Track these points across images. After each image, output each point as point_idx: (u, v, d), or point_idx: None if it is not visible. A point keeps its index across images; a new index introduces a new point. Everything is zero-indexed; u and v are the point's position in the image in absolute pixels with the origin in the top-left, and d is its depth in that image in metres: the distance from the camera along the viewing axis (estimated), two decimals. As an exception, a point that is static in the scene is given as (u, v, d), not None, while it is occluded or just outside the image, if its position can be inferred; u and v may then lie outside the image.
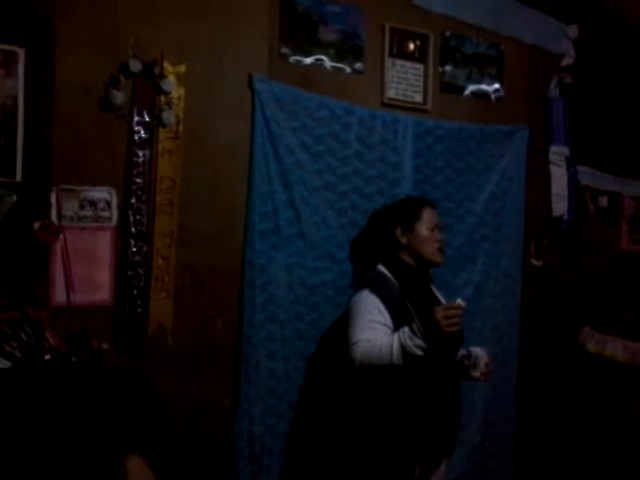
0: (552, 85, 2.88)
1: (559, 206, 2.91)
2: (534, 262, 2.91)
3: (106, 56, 1.87)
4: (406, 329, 1.79)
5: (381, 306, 1.90)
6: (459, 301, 1.77)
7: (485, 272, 2.69)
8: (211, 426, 2.06)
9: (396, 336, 1.80)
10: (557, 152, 2.89)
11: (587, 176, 3.03)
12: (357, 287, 2.05)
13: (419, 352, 1.76)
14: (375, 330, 1.86)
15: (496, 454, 2.73)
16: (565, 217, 2.93)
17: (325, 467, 2.16)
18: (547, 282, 2.92)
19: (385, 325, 1.88)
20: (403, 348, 1.77)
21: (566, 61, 2.89)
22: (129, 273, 1.94)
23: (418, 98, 2.51)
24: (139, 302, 1.94)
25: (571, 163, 2.94)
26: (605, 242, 3.18)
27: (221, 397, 2.10)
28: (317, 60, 2.28)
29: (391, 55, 2.43)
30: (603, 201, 3.16)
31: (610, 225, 3.20)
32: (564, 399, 2.88)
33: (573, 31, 2.88)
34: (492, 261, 2.71)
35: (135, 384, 0.88)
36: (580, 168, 3.00)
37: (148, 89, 1.94)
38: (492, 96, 2.74)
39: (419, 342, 1.75)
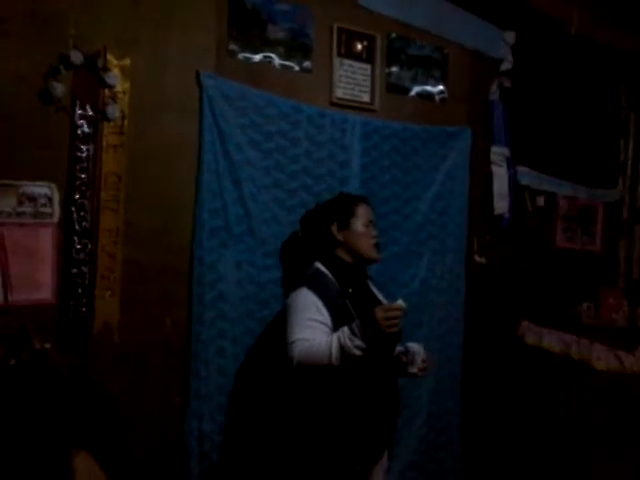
0: (493, 88, 3.00)
1: (500, 205, 3.02)
2: (477, 259, 3.01)
3: (44, 46, 1.80)
4: (346, 329, 1.75)
5: (320, 304, 1.86)
6: (400, 302, 1.74)
7: (431, 268, 2.76)
8: (161, 425, 2.02)
9: (335, 336, 1.76)
10: (498, 153, 3.00)
11: (526, 176, 3.17)
12: (294, 285, 1.99)
13: (358, 352, 1.72)
14: (313, 329, 1.82)
15: (442, 445, 2.81)
16: (506, 215, 3.04)
17: (266, 465, 2.14)
18: (489, 278, 3.03)
19: (324, 324, 1.85)
20: (342, 349, 1.73)
21: (505, 65, 3.01)
22: (73, 271, 1.88)
23: (365, 98, 2.56)
24: (84, 300, 1.89)
25: (511, 163, 3.06)
26: (542, 239, 3.33)
27: (170, 395, 2.06)
28: (266, 58, 2.28)
29: (339, 55, 2.47)
30: (540, 200, 3.30)
31: (546, 223, 3.36)
32: (506, 390, 3.00)
33: (510, 37, 3.01)
34: (437, 258, 2.79)
35: (79, 381, 0.86)
36: (519, 168, 3.12)
37: (91, 82, 1.89)
38: (436, 97, 2.82)
39: (358, 343, 1.72)
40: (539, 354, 2.98)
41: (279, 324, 2.09)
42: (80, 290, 1.89)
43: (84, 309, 1.89)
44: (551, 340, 2.97)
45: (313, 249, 2.12)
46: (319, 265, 2.02)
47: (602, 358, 2.77)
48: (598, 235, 3.61)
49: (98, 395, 0.86)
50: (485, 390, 2.97)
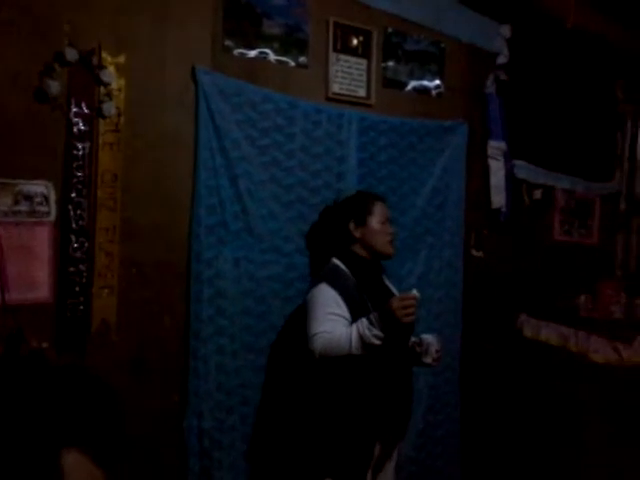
0: (489, 82, 2.99)
1: (497, 198, 3.02)
2: (474, 253, 3.01)
3: (39, 43, 1.79)
4: (364, 320, 1.84)
5: (339, 299, 1.95)
6: (414, 292, 1.83)
7: (428, 263, 2.76)
8: (160, 423, 2.03)
9: (354, 327, 1.85)
10: (495, 147, 3.00)
11: (523, 170, 3.17)
12: (313, 281, 2.08)
13: (377, 342, 1.82)
14: (334, 322, 1.90)
15: (440, 439, 2.82)
16: (503, 209, 3.05)
17: (278, 459, 2.17)
18: (486, 272, 3.03)
19: (343, 317, 1.93)
20: (362, 338, 1.82)
21: (501, 59, 3.00)
22: (70, 269, 1.87)
23: (362, 93, 2.56)
24: (81, 299, 1.89)
25: (508, 157, 3.06)
26: (539, 233, 3.34)
27: (169, 393, 2.07)
28: (261, 53, 2.27)
29: (335, 50, 2.46)
30: (537, 194, 3.31)
31: (543, 216, 3.37)
32: (504, 383, 3.01)
33: (506, 30, 3.00)
34: (435, 252, 2.79)
35: (75, 375, 0.85)
36: (516, 162, 3.12)
37: (86, 80, 1.88)
38: (433, 92, 2.82)
39: (377, 332, 1.80)
40: (537, 347, 2.99)
41: (297, 319, 2.15)
42: (77, 288, 1.89)
43: (82, 307, 1.89)
44: (549, 333, 2.98)
45: (330, 245, 2.20)
46: (336, 261, 2.10)
47: (600, 350, 2.78)
48: (595, 228, 3.62)
49: (96, 388, 0.85)
50: (483, 384, 2.98)
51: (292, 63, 2.36)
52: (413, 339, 2.09)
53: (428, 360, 2.00)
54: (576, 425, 2.78)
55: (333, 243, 2.19)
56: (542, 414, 2.91)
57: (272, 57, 2.30)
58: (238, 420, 2.20)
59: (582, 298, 3.20)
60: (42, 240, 1.84)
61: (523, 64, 3.10)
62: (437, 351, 2.01)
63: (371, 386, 1.95)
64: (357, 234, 2.13)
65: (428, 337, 2.02)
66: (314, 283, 2.06)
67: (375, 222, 2.13)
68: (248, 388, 2.23)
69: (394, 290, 2.18)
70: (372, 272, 2.13)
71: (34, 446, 0.70)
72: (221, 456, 2.13)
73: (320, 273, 2.11)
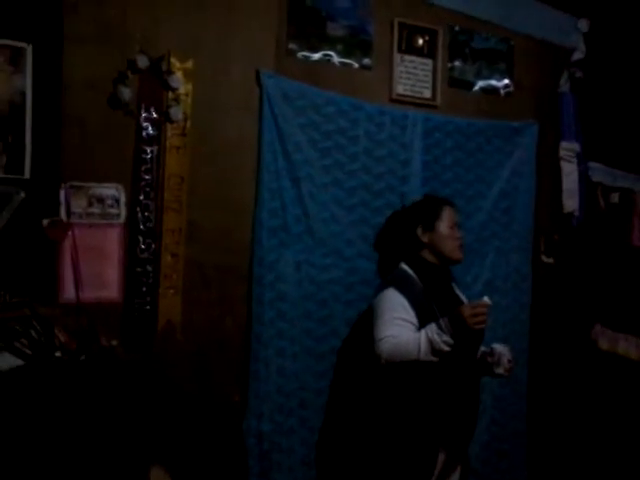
0: (562, 80, 2.86)
1: (570, 202, 2.88)
2: (544, 259, 2.88)
3: (113, 52, 1.87)
4: (433, 325, 1.82)
5: (406, 304, 1.93)
6: (485, 299, 1.80)
7: (495, 269, 2.67)
8: (220, 423, 2.05)
9: (423, 332, 1.83)
10: (567, 148, 2.86)
11: (598, 172, 3.00)
12: (380, 286, 2.07)
13: (446, 348, 1.79)
14: (401, 327, 1.89)
15: (506, 453, 2.71)
16: (576, 213, 2.90)
17: (339, 464, 2.16)
18: (558, 279, 2.89)
19: (410, 322, 1.91)
20: (431, 344, 1.80)
21: (577, 55, 2.86)
22: (137, 270, 1.93)
23: (427, 94, 2.49)
24: (148, 299, 1.94)
25: (582, 159, 2.91)
26: (616, 238, 3.14)
27: (230, 394, 2.09)
28: (325, 56, 2.26)
29: (400, 50, 2.41)
30: (614, 197, 3.12)
31: (621, 221, 3.17)
32: (576, 397, 2.85)
33: (583, 25, 2.85)
34: (502, 258, 2.69)
35: (161, 388, 0.84)
36: (591, 164, 2.97)
37: (155, 85, 1.93)
38: (501, 91, 2.71)
39: (446, 338, 1.78)
40: (614, 360, 2.82)
41: (363, 324, 2.13)
42: (144, 288, 1.94)
43: (148, 307, 1.94)
44: (628, 346, 2.81)
45: (398, 250, 2.17)
46: (404, 266, 2.07)
47: (683, 366, 2.59)
48: (679, 234, 3.37)
49: (178, 402, 0.84)
50: (553, 396, 2.83)
51: (356, 65, 2.33)
52: (483, 349, 2.03)
53: (500, 371, 1.96)
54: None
55: (401, 248, 2.16)
56: (615, 432, 2.74)
57: (336, 59, 2.29)
58: (297, 423, 2.19)
59: (664, 309, 2.98)
60: (112, 241, 1.91)
61: (601, 60, 2.93)
62: (509, 361, 1.96)
63: (438, 394, 1.92)
64: (425, 239, 2.09)
65: (500, 347, 1.97)
66: (381, 288, 2.03)
67: (444, 227, 2.08)
68: (307, 391, 2.22)
69: (463, 298, 2.13)
70: (441, 278, 2.09)
71: (126, 461, 0.69)
72: (280, 458, 2.14)
73: (387, 278, 2.08)
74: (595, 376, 2.86)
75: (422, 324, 1.89)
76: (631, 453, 2.67)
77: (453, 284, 2.16)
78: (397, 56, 2.41)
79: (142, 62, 1.88)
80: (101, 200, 1.89)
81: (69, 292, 1.82)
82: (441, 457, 1.96)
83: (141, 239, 1.94)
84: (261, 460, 2.11)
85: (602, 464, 2.74)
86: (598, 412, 2.82)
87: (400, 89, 2.43)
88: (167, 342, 1.97)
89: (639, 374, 2.72)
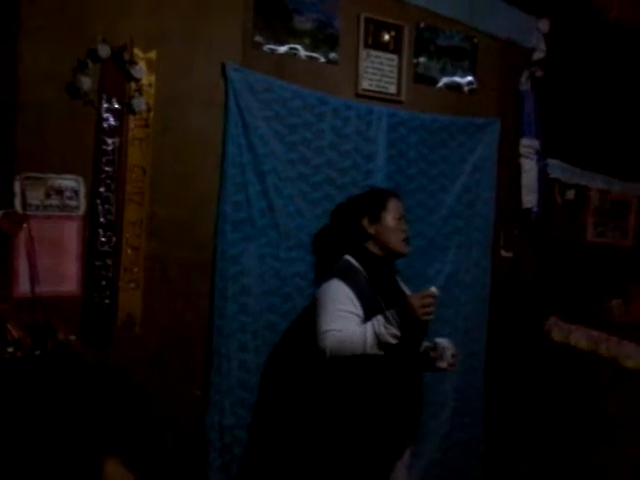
0: (523, 78, 2.91)
1: (529, 198, 2.96)
2: (504, 253, 2.95)
3: (73, 41, 1.81)
4: (380, 317, 1.78)
5: (352, 295, 1.88)
6: (433, 289, 1.77)
7: (456, 262, 2.72)
8: (181, 417, 2.05)
9: (369, 325, 1.79)
10: (528, 145, 2.93)
11: (556, 169, 3.09)
12: (324, 277, 2.01)
13: (393, 341, 1.76)
14: (346, 319, 1.83)
15: (465, 442, 2.79)
16: (534, 209, 2.98)
17: (293, 457, 2.17)
18: (515, 272, 2.97)
19: (355, 315, 1.86)
20: (377, 337, 1.76)
21: (537, 55, 2.92)
22: (97, 263, 1.90)
23: (392, 89, 2.51)
24: (107, 293, 1.91)
25: (541, 156, 2.98)
26: (571, 234, 3.25)
27: (191, 389, 2.08)
28: (291, 49, 2.25)
29: (366, 46, 2.42)
30: (570, 194, 3.22)
31: (576, 217, 3.28)
32: (531, 386, 2.95)
33: (544, 25, 2.91)
34: (463, 252, 2.74)
35: (119, 383, 0.85)
36: (549, 161, 3.04)
37: (117, 75, 1.89)
38: (465, 88, 2.75)
39: (394, 331, 1.75)
40: (566, 351, 2.92)
41: (308, 317, 2.10)
42: (104, 282, 1.91)
43: (108, 301, 1.91)
44: (579, 337, 2.91)
45: (343, 242, 2.13)
46: (349, 258, 2.03)
47: (632, 356, 2.70)
48: (631, 230, 3.50)
49: (137, 398, 0.85)
50: (510, 387, 2.93)
51: (322, 59, 2.33)
52: (426, 344, 2.02)
53: (443, 365, 1.93)
54: (604, 431, 2.72)
55: (346, 240, 2.11)
56: (568, 419, 2.85)
57: (302, 53, 2.28)
58: (259, 417, 2.20)
59: (614, 302, 3.11)
60: (71, 234, 1.87)
61: (560, 60, 3.00)
62: (453, 355, 1.93)
63: (381, 388, 1.90)
64: (371, 231, 2.04)
65: (443, 341, 1.95)
66: (325, 279, 1.97)
67: (390, 219, 2.04)
68: (270, 385, 2.22)
69: (407, 291, 2.11)
70: (385, 271, 2.05)
71: (80, 452, 0.69)
72: (241, 452, 2.14)
73: (332, 269, 2.01)
74: (549, 366, 2.97)
75: (367, 316, 1.85)
76: (583, 439, 2.79)
77: (397, 277, 2.13)
78: (363, 51, 2.42)
79: (103, 51, 1.83)
80: (60, 192, 1.85)
81: (24, 286, 1.78)
82: (387, 452, 1.96)
83: (101, 232, 1.90)
84: (222, 454, 2.11)
85: (557, 451, 2.85)
86: (551, 400, 2.93)
87: (366, 84, 2.44)
88: (127, 336, 1.95)
89: (590, 364, 2.83)
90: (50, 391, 0.76)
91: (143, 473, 0.81)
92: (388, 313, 1.77)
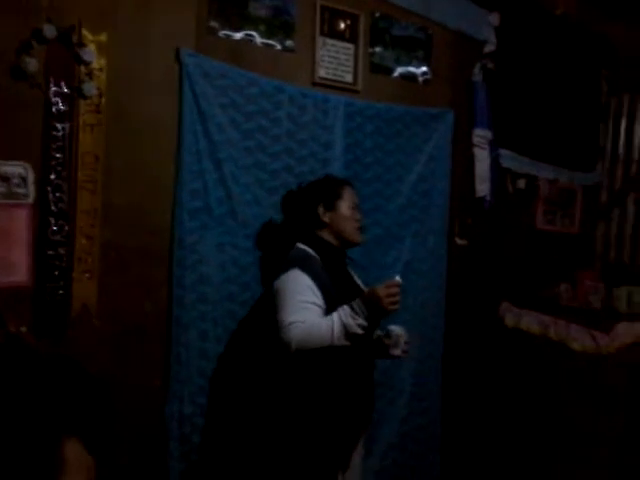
0: (476, 70, 2.98)
1: (482, 187, 3.03)
2: (458, 241, 3.02)
3: (16, 20, 1.73)
4: (346, 308, 1.74)
5: (313, 285, 1.85)
6: (397, 278, 1.74)
7: (413, 251, 2.76)
8: (140, 408, 2.01)
9: (336, 316, 1.74)
10: (480, 135, 3.00)
11: (508, 159, 3.18)
12: (282, 266, 1.94)
13: (360, 331, 1.72)
14: (309, 310, 1.79)
15: (423, 426, 2.84)
16: (487, 198, 3.05)
17: (252, 446, 2.15)
18: (470, 260, 3.05)
19: (317, 305, 1.82)
20: (345, 327, 1.71)
21: (488, 47, 2.99)
22: (49, 253, 1.83)
23: (348, 78, 2.53)
24: (61, 283, 1.85)
25: (493, 146, 3.07)
26: (522, 221, 3.36)
27: (150, 378, 2.05)
28: (247, 35, 2.23)
29: (322, 34, 2.43)
30: (521, 183, 3.32)
31: (527, 206, 3.39)
32: (486, 371, 3.04)
33: (494, 19, 2.99)
34: (419, 240, 2.79)
35: (70, 367, 0.84)
36: (501, 151, 3.13)
37: (65, 58, 1.83)
38: (420, 79, 2.80)
39: (361, 321, 1.71)
40: (519, 335, 3.02)
41: (263, 307, 2.08)
42: (57, 272, 1.85)
43: (61, 292, 1.85)
44: (530, 321, 3.01)
45: (294, 230, 2.10)
46: (303, 246, 2.00)
47: (578, 339, 2.82)
48: (577, 218, 3.65)
49: (88, 378, 0.84)
50: (466, 371, 3.00)
51: (278, 46, 2.32)
52: (378, 332, 1.99)
53: (397, 352, 1.92)
54: (556, 413, 2.83)
55: (298, 228, 2.08)
56: (523, 402, 2.95)
57: (258, 40, 2.26)
58: (219, 406, 2.18)
59: (562, 287, 3.23)
60: (20, 223, 1.80)
61: (510, 53, 3.09)
62: (406, 342, 1.92)
63: (336, 378, 1.88)
64: (326, 219, 2.02)
65: (396, 328, 1.93)
66: (283, 269, 1.91)
67: (345, 207, 2.03)
68: (230, 374, 2.21)
69: (358, 280, 2.10)
70: (339, 260, 2.03)
71: (37, 435, 0.68)
72: (201, 441, 2.12)
73: (288, 258, 1.96)
74: (503, 351, 3.06)
75: (328, 306, 1.82)
76: (537, 420, 2.89)
77: (349, 267, 2.11)
78: (319, 39, 2.42)
79: (49, 32, 1.76)
80: (6, 179, 1.78)
81: (-29, 277, 1.70)
82: (344, 440, 1.94)
83: (52, 220, 1.84)
84: (182, 443, 2.09)
85: (511, 433, 2.95)
86: (506, 384, 3.03)
87: (322, 72, 2.45)
88: (83, 327, 1.89)
89: (540, 348, 2.93)
90: (4, 381, 0.75)
91: (102, 460, 0.80)
92: (354, 303, 1.73)
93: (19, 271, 1.79)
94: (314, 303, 1.83)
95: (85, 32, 1.85)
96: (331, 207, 2.04)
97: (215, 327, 2.16)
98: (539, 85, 3.28)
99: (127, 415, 1.91)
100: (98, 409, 0.81)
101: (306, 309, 1.80)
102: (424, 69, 2.80)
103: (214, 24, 2.15)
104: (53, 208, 1.84)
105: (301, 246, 2.00)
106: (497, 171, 3.11)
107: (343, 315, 1.74)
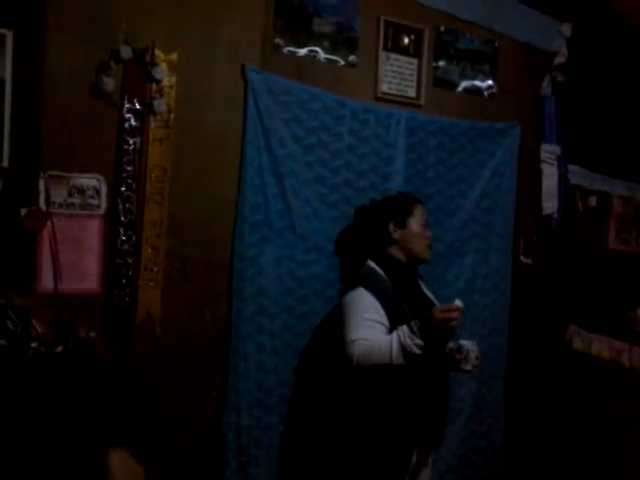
0: (545, 83, 2.89)
1: (549, 204, 2.92)
2: (523, 259, 2.92)
3: (97, 42, 1.84)
4: (405, 328, 1.80)
5: (377, 304, 1.91)
6: (457, 302, 1.78)
7: (475, 268, 2.69)
8: (198, 417, 2.05)
9: (395, 335, 1.81)
10: (548, 150, 2.90)
11: (577, 175, 3.05)
12: (350, 284, 2.05)
13: (418, 351, 1.78)
14: (372, 329, 1.87)
15: (483, 450, 2.74)
16: (554, 215, 2.94)
17: (318, 461, 2.16)
18: (535, 279, 2.93)
19: (381, 323, 1.89)
20: (403, 347, 1.78)
21: (559, 59, 2.90)
22: (118, 262, 1.92)
23: (411, 93, 2.51)
24: (127, 291, 1.93)
25: (562, 162, 2.95)
26: (593, 241, 3.20)
27: (209, 389, 2.09)
28: (311, 52, 2.27)
29: (385, 49, 2.42)
30: (592, 200, 3.18)
31: (598, 224, 3.23)
32: (552, 395, 2.90)
33: (566, 29, 2.89)
34: (482, 257, 2.72)
35: (120, 374, 0.85)
36: (571, 167, 3.01)
37: (139, 76, 1.92)
38: (485, 92, 2.74)
39: (418, 341, 1.76)
40: (587, 360, 2.87)
41: (331, 323, 2.12)
42: (124, 280, 1.93)
43: (128, 299, 1.93)
44: (601, 346, 2.86)
45: (364, 246, 2.15)
46: (373, 264, 2.05)
47: (655, 367, 2.65)
48: (655, 237, 3.44)
49: (139, 388, 0.85)
50: (529, 394, 2.88)
51: (341, 62, 2.34)
52: (451, 345, 2.00)
53: (468, 367, 1.92)
54: (627, 442, 2.66)
55: (369, 244, 2.14)
56: (589, 430, 2.79)
57: (322, 56, 2.29)
58: (276, 418, 2.20)
59: (638, 311, 3.05)
60: (92, 232, 1.89)
61: (583, 65, 2.97)
62: (477, 357, 1.93)
63: (408, 392, 1.91)
64: (396, 236, 2.08)
65: (467, 343, 1.93)
66: (351, 286, 2.02)
67: (416, 225, 2.09)
68: (287, 387, 2.22)
69: (430, 296, 2.13)
70: (409, 276, 2.09)
71: (82, 443, 0.70)
72: (258, 454, 2.14)
73: (357, 276, 2.07)
74: (569, 374, 2.91)
75: (392, 323, 1.88)
76: (602, 447, 2.73)
77: (420, 282, 2.16)
78: (382, 54, 2.42)
79: (126, 53, 1.86)
80: (82, 191, 1.88)
81: (47, 283, 1.80)
82: (414, 456, 1.97)
83: (122, 231, 1.93)
84: (239, 455, 2.11)
85: (576, 459, 2.79)
86: (572, 410, 2.88)
87: (385, 87, 2.44)
88: (146, 334, 1.96)
89: (611, 374, 2.77)
90: (66, 388, 0.77)
91: (155, 469, 0.80)
92: (413, 324, 1.79)
93: (90, 279, 1.88)
94: (378, 321, 1.89)
95: (158, 52, 1.93)
96: (402, 224, 2.08)
97: (272, 339, 2.18)
98: (612, 98, 3.13)
99: (185, 423, 1.96)
100: (148, 417, 0.82)
101: (371, 327, 1.87)
102: (490, 82, 2.74)
103: (279, 41, 2.19)
104: (122, 219, 1.93)
105: (371, 264, 2.06)
106: (566, 188, 2.99)
107: (402, 335, 1.79)
